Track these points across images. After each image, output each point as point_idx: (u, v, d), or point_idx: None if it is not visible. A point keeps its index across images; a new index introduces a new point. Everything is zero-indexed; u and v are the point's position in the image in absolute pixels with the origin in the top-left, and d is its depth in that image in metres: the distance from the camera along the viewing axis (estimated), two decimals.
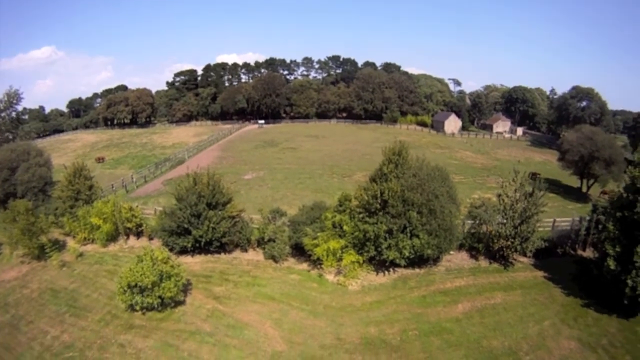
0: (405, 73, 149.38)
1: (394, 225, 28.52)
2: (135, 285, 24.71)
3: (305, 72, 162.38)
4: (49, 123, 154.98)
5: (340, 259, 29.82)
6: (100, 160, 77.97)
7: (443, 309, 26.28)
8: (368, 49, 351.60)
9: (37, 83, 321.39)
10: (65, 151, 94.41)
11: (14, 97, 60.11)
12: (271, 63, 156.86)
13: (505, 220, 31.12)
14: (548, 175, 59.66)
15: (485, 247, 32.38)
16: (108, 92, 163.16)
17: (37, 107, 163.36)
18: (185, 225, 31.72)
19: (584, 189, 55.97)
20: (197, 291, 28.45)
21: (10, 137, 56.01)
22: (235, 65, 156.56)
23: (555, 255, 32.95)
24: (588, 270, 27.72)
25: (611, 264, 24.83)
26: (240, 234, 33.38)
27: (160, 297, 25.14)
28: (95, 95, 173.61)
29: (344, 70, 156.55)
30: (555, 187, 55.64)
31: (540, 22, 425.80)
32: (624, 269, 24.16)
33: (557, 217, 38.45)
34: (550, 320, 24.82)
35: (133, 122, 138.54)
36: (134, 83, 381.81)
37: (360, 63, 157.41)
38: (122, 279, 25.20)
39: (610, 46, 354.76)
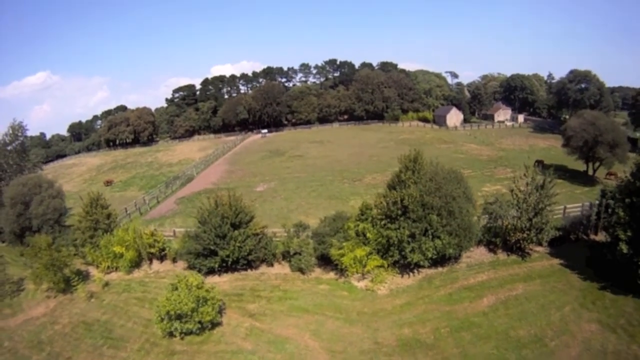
0: (403, 71, 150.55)
1: (415, 229, 29.46)
2: (174, 313, 24.77)
3: (303, 78, 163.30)
4: (51, 149, 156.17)
5: (365, 265, 30.81)
6: (108, 183, 78.01)
7: (469, 304, 27.18)
8: (363, 50, 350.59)
9: (34, 109, 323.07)
10: (72, 176, 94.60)
11: (18, 130, 60.92)
12: (269, 72, 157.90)
13: (519, 214, 32.05)
14: (554, 161, 60.31)
15: (502, 240, 33.31)
16: (108, 113, 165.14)
17: (37, 134, 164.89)
18: (212, 247, 31.89)
19: (590, 172, 57.02)
20: (232, 310, 28.58)
21: (16, 168, 56.12)
22: (233, 77, 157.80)
23: (568, 242, 33.83)
24: (601, 255, 28.65)
25: (623, 248, 25.84)
26: (265, 249, 33.96)
27: (199, 322, 25.29)
28: (95, 118, 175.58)
29: (341, 73, 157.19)
30: (562, 172, 56.16)
31: (529, 6, 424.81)
32: (636, 252, 25.23)
33: (567, 202, 39.44)
34: (570, 306, 25.68)
35: (135, 142, 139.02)
36: (130, 101, 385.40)
37: (357, 65, 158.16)
38: (160, 309, 25.11)
39: (605, 21, 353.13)
